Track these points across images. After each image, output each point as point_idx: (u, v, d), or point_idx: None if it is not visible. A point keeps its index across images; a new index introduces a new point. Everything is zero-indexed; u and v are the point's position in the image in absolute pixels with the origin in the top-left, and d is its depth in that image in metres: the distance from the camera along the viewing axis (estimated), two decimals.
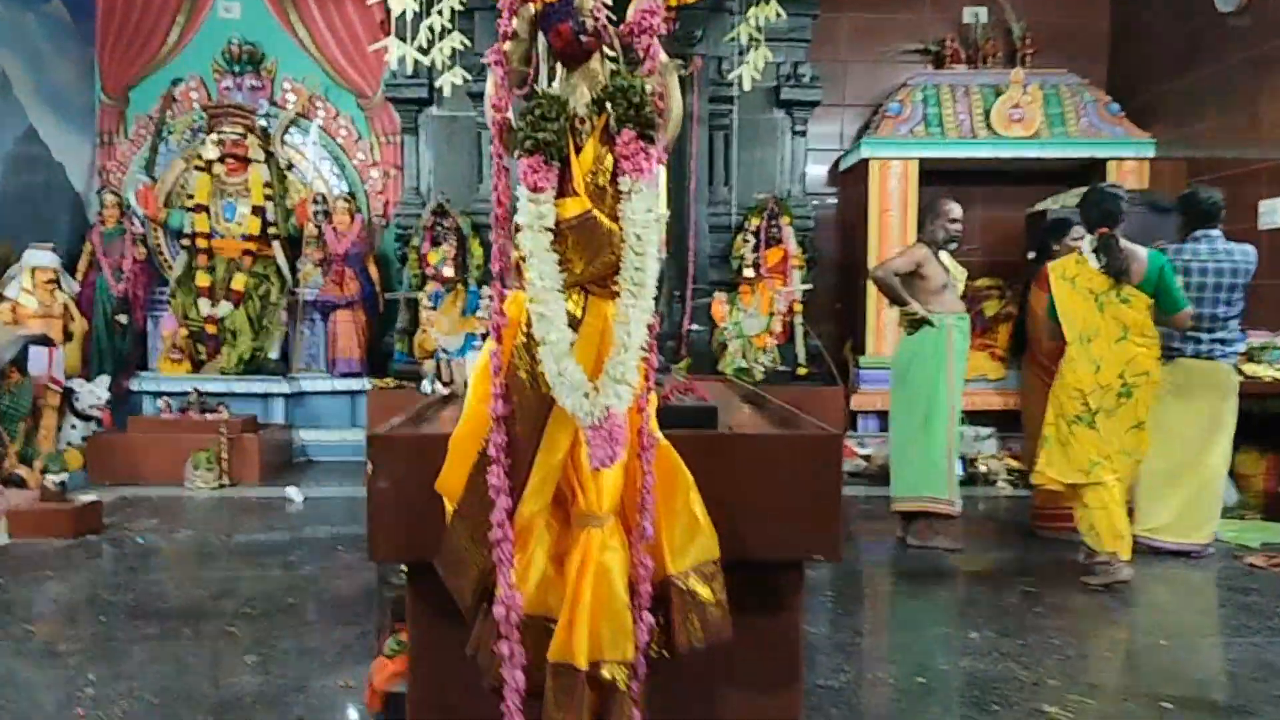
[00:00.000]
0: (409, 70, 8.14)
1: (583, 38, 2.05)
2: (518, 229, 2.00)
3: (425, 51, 6.54)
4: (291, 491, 6.61)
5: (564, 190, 2.01)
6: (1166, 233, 7.09)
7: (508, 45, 2.07)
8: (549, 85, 2.19)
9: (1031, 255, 6.03)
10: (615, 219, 1.99)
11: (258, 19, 8.84)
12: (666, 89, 2.12)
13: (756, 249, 8.21)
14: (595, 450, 1.87)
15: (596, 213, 2.00)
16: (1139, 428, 4.88)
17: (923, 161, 8.27)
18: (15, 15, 7.82)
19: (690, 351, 8.35)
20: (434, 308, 7.34)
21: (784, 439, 2.52)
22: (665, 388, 2.76)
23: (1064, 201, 7.82)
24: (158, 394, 8.04)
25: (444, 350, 7.20)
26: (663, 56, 2.14)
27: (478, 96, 8.63)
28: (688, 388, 2.89)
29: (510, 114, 2.06)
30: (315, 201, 8.45)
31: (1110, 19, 9.01)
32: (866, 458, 7.58)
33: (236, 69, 8.71)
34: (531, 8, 2.06)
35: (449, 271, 7.48)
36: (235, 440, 7.21)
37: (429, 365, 7.27)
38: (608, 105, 2.03)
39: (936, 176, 8.42)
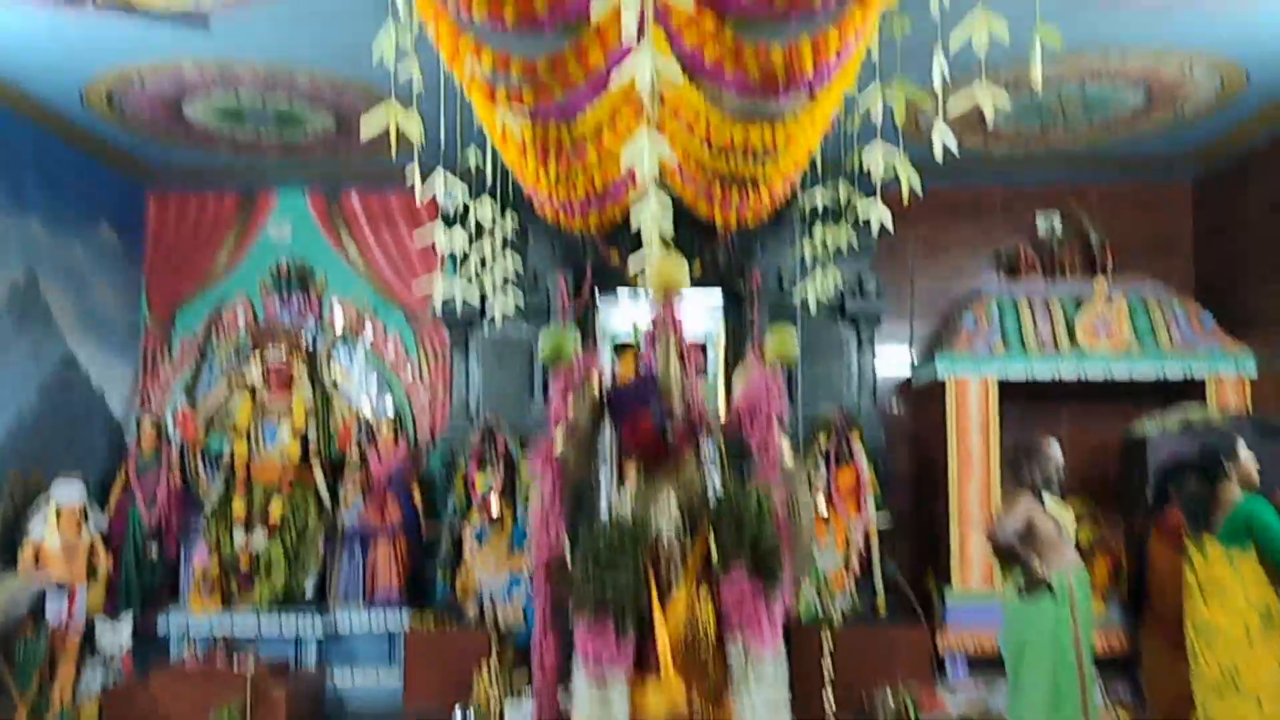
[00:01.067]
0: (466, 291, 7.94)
1: (669, 433, 1.51)
2: None
3: (473, 281, 6.28)
4: None
5: (643, 661, 1.43)
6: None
7: (560, 444, 1.53)
8: (617, 495, 1.66)
9: (1150, 499, 5.40)
10: (719, 704, 1.39)
11: (308, 238, 8.73)
12: (794, 500, 1.56)
13: (828, 470, 7.64)
14: None
15: (693, 697, 1.41)
16: (1219, 693, 4.53)
17: (1003, 379, 7.72)
18: (62, 243, 7.72)
19: None
20: (478, 541, 6.78)
21: None
22: None
23: (1165, 425, 7.18)
24: (185, 634, 7.48)
25: (488, 591, 6.60)
26: (787, 456, 1.59)
27: (531, 312, 8.35)
28: None
29: (564, 542, 1.50)
30: (358, 424, 8.06)
31: (1193, 221, 8.56)
32: (962, 718, 6.74)
33: (284, 288, 8.52)
34: (595, 387, 1.53)
35: (494, 508, 6.94)
36: (261, 693, 6.58)
37: (473, 606, 6.66)
38: (707, 526, 1.48)
39: (1018, 393, 7.85)
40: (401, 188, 5.48)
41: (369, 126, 3.35)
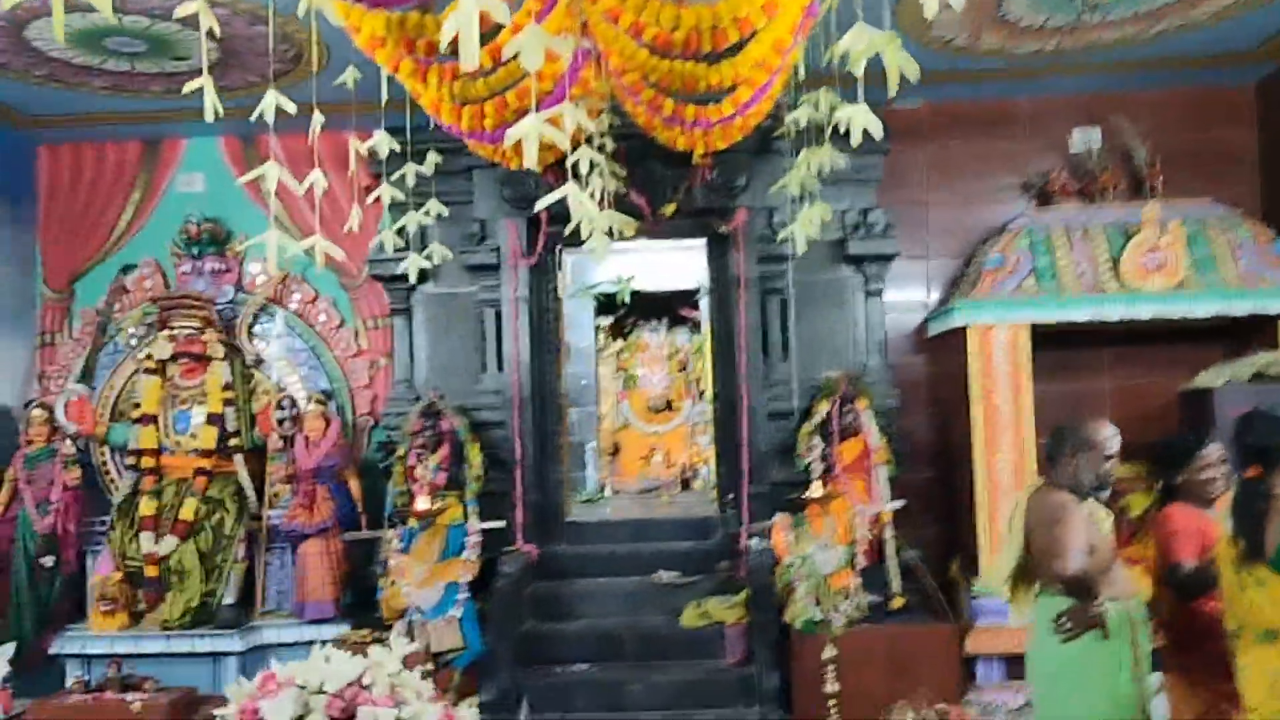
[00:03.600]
0: (398, 244, 6.80)
1: None
2: None
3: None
4: None
5: None
6: None
7: None
8: None
9: (1159, 486, 4.18)
10: None
11: (224, 190, 7.49)
12: None
13: (827, 441, 6.46)
14: None
15: None
16: None
17: (1035, 324, 6.48)
18: None
19: (750, 576, 6.52)
20: (404, 550, 5.63)
21: None
22: None
23: (1233, 375, 5.95)
24: (85, 657, 6.46)
25: (417, 608, 5.48)
26: None
27: (480, 269, 7.16)
28: None
29: None
30: (281, 406, 6.93)
31: (1258, 131, 7.20)
32: None
33: (196, 251, 7.36)
34: None
35: (420, 503, 5.70)
36: None
37: (400, 626, 5.54)
38: None
39: (1053, 340, 6.61)
40: (331, 126, 4.39)
41: None
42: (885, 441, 6.52)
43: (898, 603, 6.26)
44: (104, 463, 7.28)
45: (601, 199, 5.23)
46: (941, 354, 7.16)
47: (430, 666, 5.49)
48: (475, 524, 5.73)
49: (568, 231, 4.65)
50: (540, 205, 3.61)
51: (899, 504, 5.80)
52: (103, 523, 6.97)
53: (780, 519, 5.62)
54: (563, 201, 3.20)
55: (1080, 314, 6.42)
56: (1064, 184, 7.02)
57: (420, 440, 6.63)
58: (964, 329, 6.53)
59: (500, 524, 5.80)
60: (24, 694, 6.46)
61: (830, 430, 6.46)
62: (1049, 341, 6.59)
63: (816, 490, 5.57)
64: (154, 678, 5.92)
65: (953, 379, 6.86)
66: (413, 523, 5.76)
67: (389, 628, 6.10)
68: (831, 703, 5.43)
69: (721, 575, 6.62)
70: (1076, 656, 3.51)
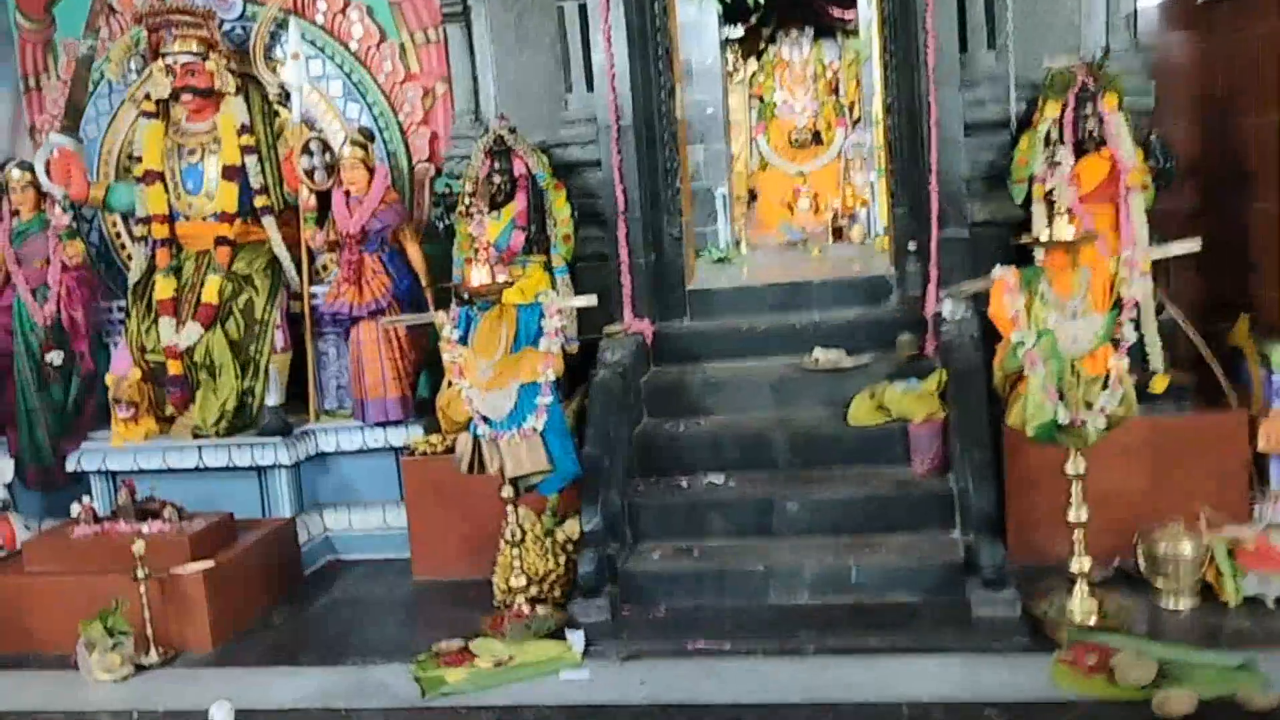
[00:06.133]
0: None
1: None
2: None
3: None
4: (217, 714, 3.61)
5: None
6: None
7: None
8: None
9: None
10: None
11: None
12: None
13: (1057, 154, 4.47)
14: None
15: None
16: None
17: None
18: None
19: (945, 355, 4.78)
20: (462, 339, 4.03)
21: None
22: None
23: None
24: (110, 473, 5.28)
25: (483, 418, 3.94)
26: None
27: None
28: None
29: None
30: (309, 150, 5.30)
31: None
32: None
33: None
34: None
35: (476, 276, 3.98)
36: (168, 583, 4.29)
37: (463, 441, 4.03)
38: None
39: None
40: None
41: None
42: (1144, 158, 4.51)
43: (1160, 384, 4.44)
44: (118, 234, 5.89)
45: None
46: (1218, 27, 4.97)
47: (510, 494, 4.04)
48: (555, 299, 4.07)
49: None
50: None
51: (1192, 245, 3.80)
52: (121, 308, 5.67)
53: (1001, 274, 3.75)
54: None
55: None
56: None
57: (485, 188, 4.96)
58: None
59: (590, 300, 4.14)
60: (51, 515, 5.43)
61: (1063, 141, 4.47)
62: None
63: (1063, 230, 3.64)
64: (175, 503, 4.65)
65: (1238, 63, 4.73)
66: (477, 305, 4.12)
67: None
68: (1078, 534, 3.75)
69: (902, 354, 4.89)
70: None
